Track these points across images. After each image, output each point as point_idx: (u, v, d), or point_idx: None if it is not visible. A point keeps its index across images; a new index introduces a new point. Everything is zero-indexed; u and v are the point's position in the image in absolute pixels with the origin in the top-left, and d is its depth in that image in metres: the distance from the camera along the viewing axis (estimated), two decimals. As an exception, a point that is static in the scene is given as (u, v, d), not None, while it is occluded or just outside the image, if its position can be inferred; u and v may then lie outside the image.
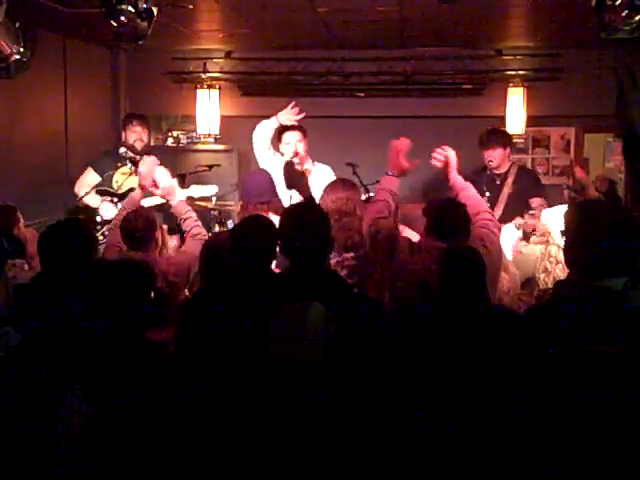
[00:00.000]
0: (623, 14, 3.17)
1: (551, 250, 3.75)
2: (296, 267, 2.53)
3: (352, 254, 3.50)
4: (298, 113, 4.71)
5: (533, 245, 3.88)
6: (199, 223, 3.79)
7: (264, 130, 4.80)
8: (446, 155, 3.58)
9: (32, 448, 1.94)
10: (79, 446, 1.85)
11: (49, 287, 2.60)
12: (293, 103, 4.73)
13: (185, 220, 3.77)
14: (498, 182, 5.02)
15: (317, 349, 2.11)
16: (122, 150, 5.05)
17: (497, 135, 5.06)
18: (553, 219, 3.83)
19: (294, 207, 3.00)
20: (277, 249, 2.69)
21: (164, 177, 3.93)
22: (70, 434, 1.86)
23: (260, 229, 2.79)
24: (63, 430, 1.87)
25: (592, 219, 2.20)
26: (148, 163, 4.04)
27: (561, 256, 3.71)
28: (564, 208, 3.91)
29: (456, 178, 3.54)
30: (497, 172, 5.04)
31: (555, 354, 1.97)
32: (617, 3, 3.15)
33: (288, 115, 4.71)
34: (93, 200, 4.90)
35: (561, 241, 3.70)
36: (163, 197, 3.98)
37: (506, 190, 4.94)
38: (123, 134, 5.10)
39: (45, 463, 1.91)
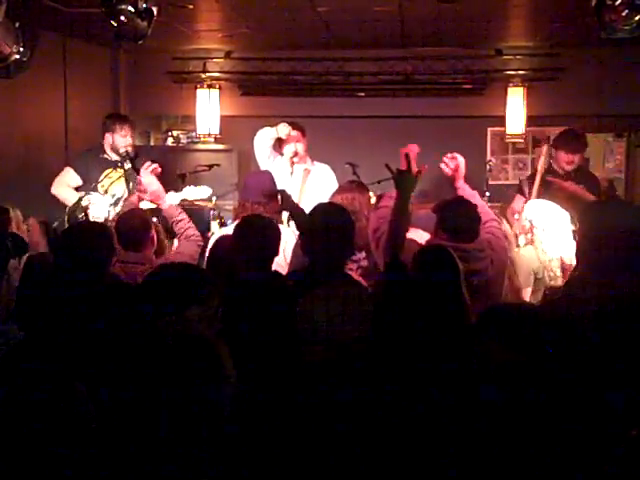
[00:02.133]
0: (623, 14, 3.17)
1: (544, 250, 3.73)
2: (314, 267, 2.56)
3: (364, 254, 3.50)
4: (295, 129, 4.79)
5: (523, 248, 3.87)
6: (192, 225, 3.75)
7: (264, 138, 4.82)
8: (457, 163, 3.58)
9: (32, 447, 1.93)
10: (81, 445, 1.85)
11: (58, 287, 2.64)
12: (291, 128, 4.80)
13: (178, 223, 3.75)
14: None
15: (354, 330, 2.10)
16: (106, 154, 4.95)
17: (581, 139, 4.91)
18: (538, 213, 3.79)
19: (321, 207, 3.04)
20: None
21: (152, 182, 3.91)
22: (72, 433, 1.86)
23: (261, 227, 2.85)
24: (64, 429, 1.87)
25: (610, 219, 2.20)
26: (149, 175, 4.01)
27: (547, 256, 3.69)
28: (548, 202, 3.90)
29: (463, 187, 3.55)
30: (567, 172, 4.84)
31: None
32: (617, 3, 3.15)
33: (286, 129, 4.76)
34: (67, 193, 4.76)
35: (546, 236, 3.69)
36: (152, 202, 3.96)
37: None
38: (110, 136, 4.90)
39: (45, 461, 1.91)
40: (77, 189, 4.81)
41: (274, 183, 4.00)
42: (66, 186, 4.80)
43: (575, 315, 2.07)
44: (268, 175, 4.08)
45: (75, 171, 4.86)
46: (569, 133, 4.95)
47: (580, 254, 2.30)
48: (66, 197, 4.76)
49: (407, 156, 3.19)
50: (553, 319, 2.02)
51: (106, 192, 4.82)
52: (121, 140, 4.88)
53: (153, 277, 2.37)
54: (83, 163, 4.90)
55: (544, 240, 3.68)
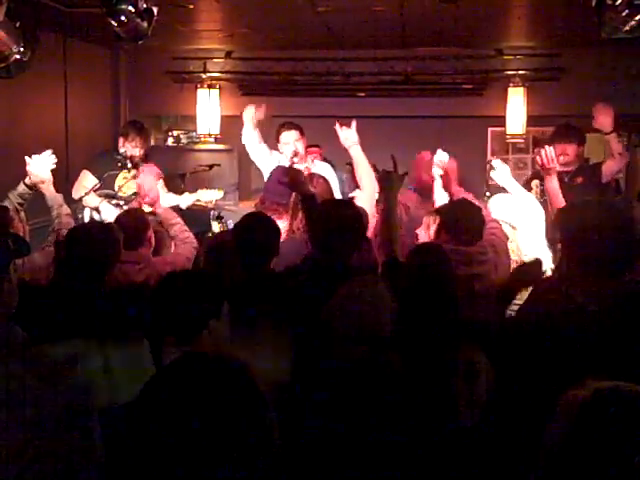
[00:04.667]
0: (623, 14, 3.16)
1: (518, 246, 3.63)
2: (322, 260, 2.59)
3: None
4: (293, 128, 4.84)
5: None
6: (186, 228, 3.84)
7: (247, 131, 4.85)
8: (445, 167, 3.58)
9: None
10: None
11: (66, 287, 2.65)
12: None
13: (173, 226, 3.82)
14: (566, 179, 4.73)
15: (382, 324, 2.11)
16: (119, 155, 5.02)
17: (574, 130, 4.89)
18: (504, 209, 3.70)
19: (332, 202, 3.07)
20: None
21: (151, 186, 3.96)
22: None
23: (261, 226, 2.87)
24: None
25: (592, 217, 2.20)
26: (149, 179, 4.06)
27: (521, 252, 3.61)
28: (508, 197, 3.85)
29: (458, 192, 3.55)
30: (567, 170, 4.78)
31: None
32: (617, 3, 3.14)
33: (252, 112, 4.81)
34: (92, 200, 4.90)
35: (517, 232, 3.63)
36: (149, 205, 4.01)
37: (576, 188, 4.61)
38: (121, 141, 5.03)
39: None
40: (95, 191, 4.91)
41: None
42: (85, 189, 4.89)
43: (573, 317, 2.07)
44: (289, 171, 4.08)
45: (92, 174, 4.97)
46: (559, 126, 4.96)
47: (565, 253, 2.28)
48: (87, 200, 4.87)
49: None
50: None
51: (121, 190, 4.96)
52: (129, 148, 4.97)
53: (166, 288, 2.25)
54: (100, 165, 5.02)
55: (517, 236, 3.58)
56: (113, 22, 3.45)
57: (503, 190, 3.94)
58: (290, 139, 4.77)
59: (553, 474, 1.19)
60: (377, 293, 2.18)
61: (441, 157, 3.80)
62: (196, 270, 3.35)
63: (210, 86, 6.30)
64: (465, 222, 3.10)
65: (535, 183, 4.68)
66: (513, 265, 3.44)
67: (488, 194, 5.03)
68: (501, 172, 3.86)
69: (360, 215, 2.91)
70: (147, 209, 4.35)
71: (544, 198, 4.01)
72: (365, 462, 1.86)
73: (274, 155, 4.82)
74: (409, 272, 2.67)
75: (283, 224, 3.64)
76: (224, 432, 1.12)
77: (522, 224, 3.60)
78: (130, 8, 3.39)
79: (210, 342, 2.10)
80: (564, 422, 1.19)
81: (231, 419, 1.13)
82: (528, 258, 3.49)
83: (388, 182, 3.12)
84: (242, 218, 3.16)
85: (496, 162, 3.91)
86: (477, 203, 3.50)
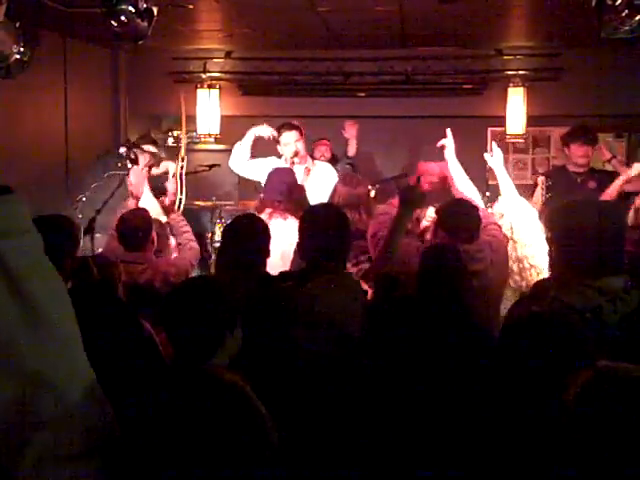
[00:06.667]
0: (623, 14, 3.16)
1: (525, 243, 3.61)
2: (309, 267, 2.57)
3: (367, 256, 3.49)
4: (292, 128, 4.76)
5: None
6: (193, 237, 3.89)
7: (241, 151, 4.84)
8: (441, 175, 3.59)
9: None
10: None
11: None
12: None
13: (183, 234, 3.86)
14: (579, 180, 4.75)
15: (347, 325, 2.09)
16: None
17: (592, 131, 4.84)
18: (510, 211, 3.65)
19: (315, 208, 3.06)
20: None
21: (138, 181, 3.97)
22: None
23: (252, 228, 2.86)
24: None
25: (583, 218, 2.20)
26: (137, 173, 4.07)
27: (526, 252, 3.60)
28: (521, 198, 3.83)
29: (462, 194, 3.56)
30: (579, 171, 4.76)
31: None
32: (617, 3, 3.14)
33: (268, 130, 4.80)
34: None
35: (521, 235, 3.61)
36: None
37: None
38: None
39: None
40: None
41: (293, 181, 4.02)
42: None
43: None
44: (288, 171, 4.11)
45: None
46: (581, 126, 4.89)
47: (556, 256, 2.28)
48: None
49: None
50: None
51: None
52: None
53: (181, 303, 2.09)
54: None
55: (524, 234, 3.56)
56: (113, 22, 3.46)
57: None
58: (290, 139, 4.77)
59: (561, 455, 1.20)
60: (347, 290, 2.15)
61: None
62: (209, 279, 3.33)
63: (210, 86, 6.30)
64: (461, 219, 3.10)
65: (541, 179, 4.65)
66: (516, 270, 3.46)
67: (488, 194, 5.03)
68: (497, 158, 3.84)
69: (345, 219, 2.84)
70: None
71: (549, 195, 4.00)
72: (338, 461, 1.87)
73: (268, 161, 4.82)
74: (424, 271, 2.65)
75: (288, 224, 3.68)
76: (213, 443, 1.16)
77: (524, 235, 3.56)
78: (130, 8, 3.39)
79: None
80: (568, 403, 1.20)
81: (221, 435, 1.17)
82: (536, 272, 3.47)
83: (408, 199, 3.05)
84: (232, 220, 3.15)
85: (495, 147, 3.89)
86: (483, 207, 3.51)
